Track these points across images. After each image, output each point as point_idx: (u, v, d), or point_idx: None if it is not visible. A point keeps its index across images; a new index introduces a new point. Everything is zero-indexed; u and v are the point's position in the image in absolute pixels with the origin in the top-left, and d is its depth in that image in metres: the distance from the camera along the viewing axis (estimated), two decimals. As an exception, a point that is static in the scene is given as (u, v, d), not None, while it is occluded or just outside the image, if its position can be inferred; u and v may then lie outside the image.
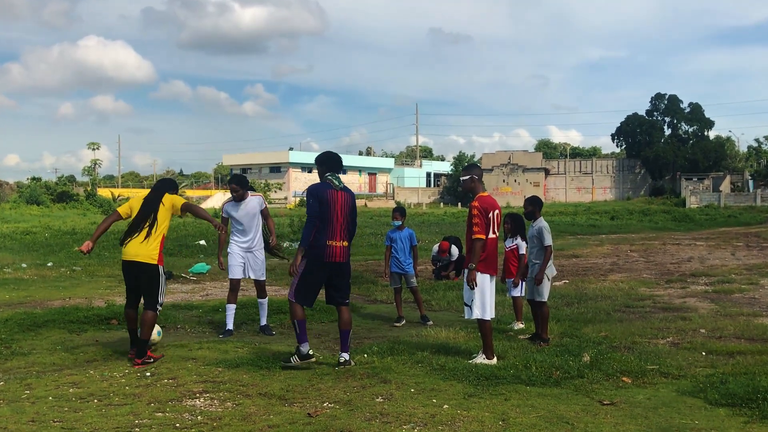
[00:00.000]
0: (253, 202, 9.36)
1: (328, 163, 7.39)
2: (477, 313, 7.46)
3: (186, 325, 9.98)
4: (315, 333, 9.42)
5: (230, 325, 9.27)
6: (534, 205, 9.00)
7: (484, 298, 7.45)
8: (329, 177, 7.31)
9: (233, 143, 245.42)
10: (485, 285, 7.47)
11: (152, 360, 7.48)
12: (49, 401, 5.96)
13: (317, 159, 7.51)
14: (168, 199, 7.73)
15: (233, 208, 9.32)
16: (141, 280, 7.51)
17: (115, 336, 8.99)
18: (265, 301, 9.55)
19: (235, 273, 9.29)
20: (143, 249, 7.46)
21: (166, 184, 7.98)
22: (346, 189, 7.33)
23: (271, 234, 9.44)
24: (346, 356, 7.20)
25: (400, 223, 10.45)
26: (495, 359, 7.43)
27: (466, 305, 7.54)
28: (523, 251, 9.38)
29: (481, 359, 7.39)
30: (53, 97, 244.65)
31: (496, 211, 7.53)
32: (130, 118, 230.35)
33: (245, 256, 9.30)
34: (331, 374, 6.84)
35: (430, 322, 10.21)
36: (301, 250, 7.17)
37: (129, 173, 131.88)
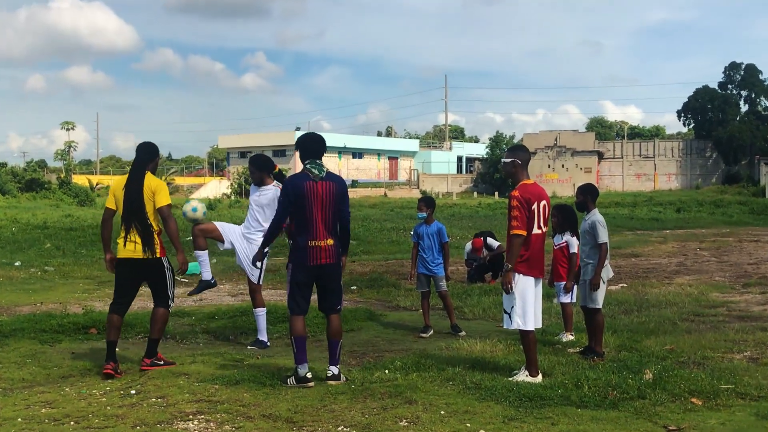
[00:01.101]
0: (269, 191, 9.41)
1: (307, 147, 7.46)
2: (518, 323, 7.45)
3: (176, 334, 10.06)
4: (325, 345, 9.43)
5: (207, 275, 9.50)
6: (586, 195, 8.95)
7: (526, 305, 7.44)
8: (308, 165, 7.37)
9: (231, 122, 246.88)
10: (528, 289, 7.45)
11: (162, 363, 7.62)
12: (18, 423, 6.03)
13: (296, 142, 7.67)
14: (148, 185, 7.75)
15: (252, 192, 9.60)
16: (146, 279, 7.82)
17: (95, 347, 9.06)
18: (262, 312, 9.52)
19: (225, 231, 9.46)
20: (140, 243, 7.62)
21: (144, 154, 7.95)
22: (330, 177, 7.37)
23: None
24: (334, 370, 7.32)
25: (426, 215, 10.43)
26: (540, 376, 7.41)
27: (506, 313, 7.53)
28: (574, 250, 9.35)
29: (523, 376, 7.37)
30: (20, 68, 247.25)
31: (543, 203, 7.50)
32: (110, 93, 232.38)
33: (246, 245, 9.39)
34: (346, 393, 6.86)
35: (463, 333, 10.20)
36: (259, 253, 7.71)
37: (109, 157, 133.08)
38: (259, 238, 9.32)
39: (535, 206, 7.41)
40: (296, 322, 7.34)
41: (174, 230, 7.72)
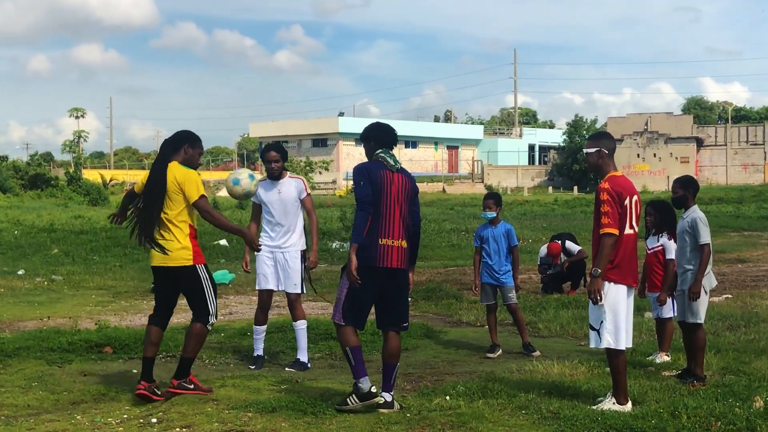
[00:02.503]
0: (290, 185, 9.50)
1: (379, 136, 7.51)
2: (608, 341, 7.39)
3: (203, 354, 10.13)
4: (378, 366, 9.45)
5: (260, 351, 9.52)
6: (686, 189, 8.87)
7: (617, 320, 7.38)
8: (381, 155, 7.41)
9: (263, 108, 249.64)
10: (620, 301, 7.39)
11: (192, 387, 7.69)
12: (25, 455, 6.13)
13: (363, 133, 7.68)
14: (172, 172, 7.74)
15: (266, 189, 9.47)
16: (180, 289, 7.89)
17: (110, 368, 9.19)
18: (303, 325, 9.57)
19: (263, 283, 9.44)
20: (170, 247, 7.66)
21: (172, 141, 7.98)
22: (403, 171, 7.44)
23: (312, 245, 9.48)
24: (387, 397, 7.28)
25: (495, 215, 10.42)
26: (629, 404, 7.35)
27: (593, 329, 7.48)
28: (671, 255, 9.24)
29: (610, 404, 7.32)
30: (21, 47, 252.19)
31: (635, 198, 7.46)
32: (124, 75, 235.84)
33: (276, 258, 9.42)
34: (401, 423, 6.87)
35: (537, 353, 10.17)
36: (354, 248, 7.25)
37: (124, 149, 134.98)
38: (290, 242, 9.40)
39: (627, 201, 7.37)
40: (348, 333, 7.31)
41: (221, 222, 7.85)
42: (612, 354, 7.44)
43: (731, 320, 12.21)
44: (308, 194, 9.59)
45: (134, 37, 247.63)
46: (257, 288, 9.54)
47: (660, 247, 9.44)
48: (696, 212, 8.70)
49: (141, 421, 7.05)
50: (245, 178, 8.28)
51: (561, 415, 7.03)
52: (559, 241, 15.77)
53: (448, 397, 7.65)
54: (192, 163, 7.96)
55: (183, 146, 7.89)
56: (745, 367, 9.00)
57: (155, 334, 7.88)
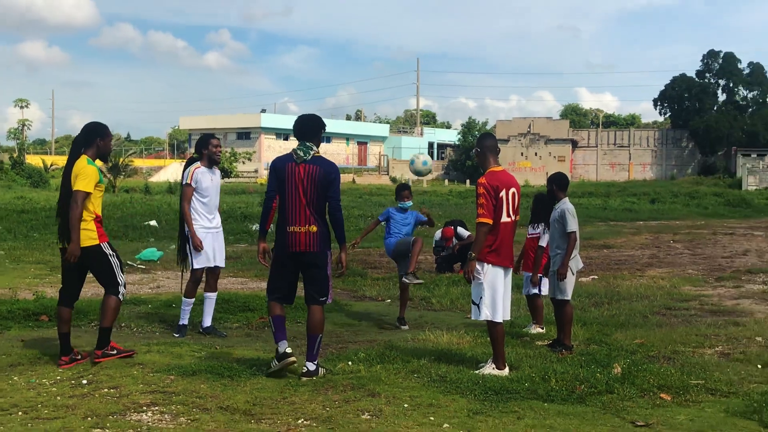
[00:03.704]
0: (218, 172, 9.57)
1: (294, 130, 7.46)
2: (487, 314, 7.50)
3: (131, 323, 9.99)
4: (289, 336, 9.42)
5: (186, 320, 9.41)
6: (552, 183, 9.04)
7: (495, 296, 7.48)
8: (294, 147, 7.37)
9: (192, 103, 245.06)
10: (497, 280, 7.50)
11: (115, 353, 7.52)
12: (-37, 413, 5.96)
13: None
14: (75, 168, 7.52)
15: (204, 175, 9.30)
16: (89, 267, 7.63)
17: (45, 335, 8.98)
18: (214, 296, 9.56)
19: (207, 261, 9.30)
20: (82, 230, 7.44)
21: (83, 138, 7.70)
22: (315, 161, 7.26)
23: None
24: (311, 366, 7.23)
25: (411, 203, 10.54)
26: (507, 369, 7.47)
27: (474, 304, 7.58)
28: (542, 243, 9.41)
29: (489, 369, 7.43)
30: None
31: (512, 190, 7.54)
32: (66, 70, 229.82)
33: (214, 238, 9.32)
34: (307, 385, 6.87)
35: (406, 327, 10.25)
36: (261, 239, 7.41)
37: (64, 137, 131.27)
38: (220, 223, 9.46)
39: (503, 194, 7.44)
40: (272, 306, 7.38)
41: (75, 217, 7.34)
42: (490, 325, 7.55)
43: (596, 298, 12.47)
44: None
45: (76, 36, 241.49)
46: (202, 266, 9.26)
47: (537, 234, 9.60)
48: (565, 204, 8.86)
49: (72, 382, 6.91)
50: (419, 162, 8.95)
51: (448, 378, 7.11)
52: (452, 227, 15.92)
53: (350, 363, 7.68)
54: (106, 152, 7.83)
55: (95, 140, 7.66)
56: (606, 338, 9.20)
57: (66, 313, 7.65)
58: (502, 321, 7.55)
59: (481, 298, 7.49)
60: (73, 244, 7.37)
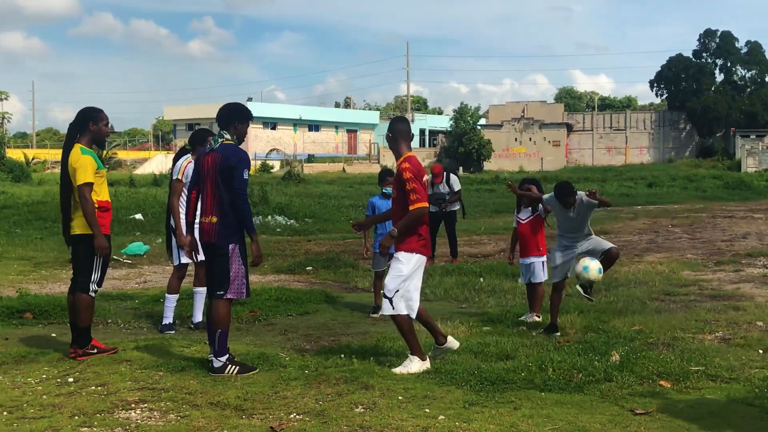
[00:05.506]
0: None
1: (216, 118, 7.45)
2: (402, 309, 7.26)
3: (119, 319, 9.99)
4: (281, 329, 9.46)
5: (169, 318, 9.39)
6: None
7: (415, 291, 7.34)
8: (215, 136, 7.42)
9: (177, 93, 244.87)
10: (421, 273, 7.41)
11: (96, 351, 7.53)
12: (-53, 414, 5.95)
13: None
14: (71, 159, 7.58)
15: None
16: (74, 255, 7.70)
17: (30, 332, 8.98)
18: (204, 290, 9.49)
19: (184, 257, 9.27)
20: (76, 217, 7.60)
21: (76, 123, 7.72)
22: (222, 148, 7.21)
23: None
24: (216, 362, 7.11)
25: (392, 190, 10.42)
26: (428, 362, 7.31)
27: (387, 297, 7.29)
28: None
29: (415, 367, 7.20)
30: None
31: (426, 178, 7.49)
32: (46, 61, 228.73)
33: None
34: (300, 379, 6.88)
35: (376, 315, 10.12)
36: (186, 231, 7.65)
37: (46, 130, 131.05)
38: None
39: (423, 180, 7.34)
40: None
41: (88, 212, 7.44)
42: (403, 319, 7.30)
43: (594, 284, 12.47)
44: None
45: (55, 25, 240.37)
46: (192, 261, 9.23)
47: (528, 219, 9.81)
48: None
49: (59, 380, 6.91)
50: (594, 270, 8.81)
51: (442, 369, 7.13)
52: (440, 165, 16.16)
53: (343, 355, 7.69)
54: (100, 136, 7.85)
55: (87, 124, 7.68)
56: (604, 325, 9.22)
57: (72, 301, 7.73)
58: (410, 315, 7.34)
59: (398, 291, 7.23)
60: (97, 239, 7.51)
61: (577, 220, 9.03)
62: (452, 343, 7.56)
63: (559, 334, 8.93)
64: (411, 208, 7.21)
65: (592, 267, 8.80)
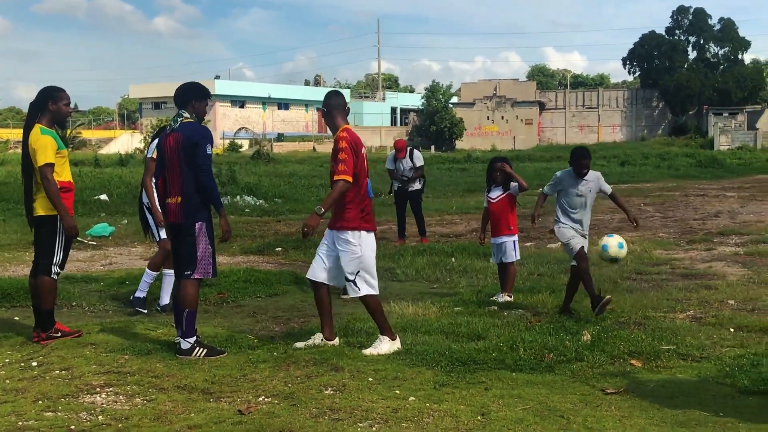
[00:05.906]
0: None
1: (174, 98, 7.42)
2: (368, 289, 7.29)
3: (83, 301, 9.92)
4: (249, 310, 9.43)
5: (143, 293, 9.34)
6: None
7: (372, 267, 7.32)
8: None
9: (143, 71, 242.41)
10: (372, 248, 7.38)
11: (60, 335, 7.47)
12: None
13: None
14: (30, 139, 7.51)
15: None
16: (36, 236, 7.63)
17: (-8, 317, 8.90)
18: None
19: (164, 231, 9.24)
20: (38, 198, 7.52)
21: (36, 103, 7.63)
22: (182, 127, 7.20)
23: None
24: (183, 344, 7.09)
25: None
26: (398, 342, 7.33)
27: (349, 281, 7.31)
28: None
29: (385, 347, 7.24)
30: None
31: (364, 150, 7.40)
32: (8, 39, 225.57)
33: None
34: (268, 361, 6.87)
35: (347, 296, 9.95)
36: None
37: (8, 109, 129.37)
38: None
39: (362, 152, 7.29)
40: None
41: (52, 193, 7.35)
42: (371, 299, 7.31)
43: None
44: None
45: (16, 2, 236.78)
46: (161, 239, 9.23)
47: (500, 197, 9.85)
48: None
49: (22, 365, 6.86)
50: (614, 246, 8.53)
51: (413, 350, 7.15)
52: (403, 141, 16.22)
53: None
54: (60, 116, 7.74)
55: (47, 104, 7.59)
56: (576, 305, 9.23)
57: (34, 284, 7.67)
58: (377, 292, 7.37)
59: (358, 272, 7.22)
60: (65, 220, 7.44)
61: (584, 200, 9.01)
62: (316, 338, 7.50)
63: (609, 304, 8.55)
64: (335, 178, 7.10)
65: (611, 244, 8.58)
